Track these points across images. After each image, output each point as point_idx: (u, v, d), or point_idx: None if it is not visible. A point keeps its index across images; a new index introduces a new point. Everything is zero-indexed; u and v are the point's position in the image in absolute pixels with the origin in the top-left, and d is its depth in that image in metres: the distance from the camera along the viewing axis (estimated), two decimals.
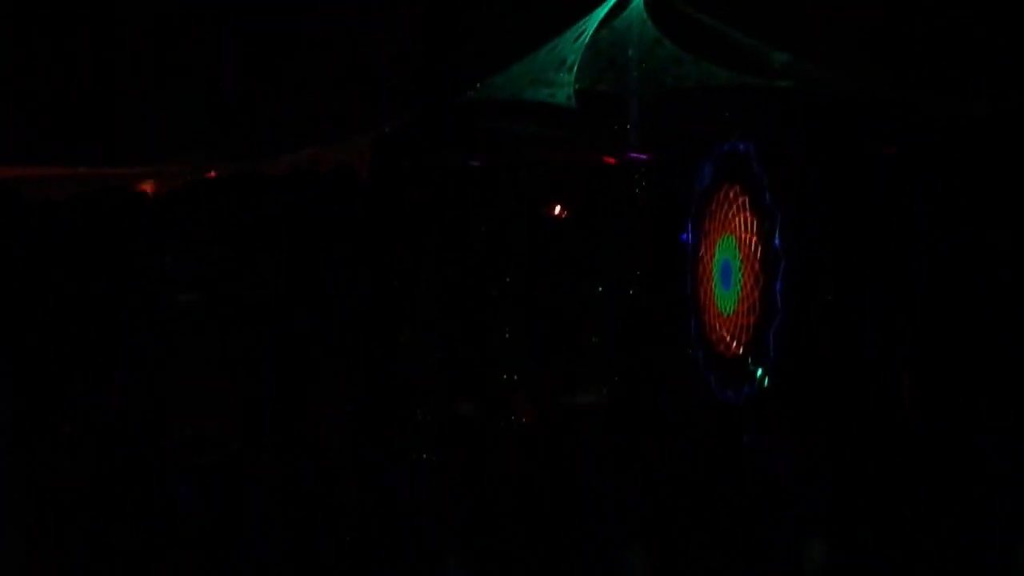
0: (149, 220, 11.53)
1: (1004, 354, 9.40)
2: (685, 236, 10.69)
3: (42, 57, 11.89)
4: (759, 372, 9.63)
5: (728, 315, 10.08)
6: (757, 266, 9.61)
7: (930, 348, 9.78)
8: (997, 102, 9.02)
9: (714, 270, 10.24)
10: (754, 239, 9.64)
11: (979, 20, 9.64)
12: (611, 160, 10.95)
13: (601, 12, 10.06)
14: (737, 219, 9.78)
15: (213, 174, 10.99)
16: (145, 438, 10.61)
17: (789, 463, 9.49)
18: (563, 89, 10.48)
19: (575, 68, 10.30)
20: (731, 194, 9.87)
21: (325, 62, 12.02)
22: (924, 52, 9.75)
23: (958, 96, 9.19)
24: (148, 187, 11.14)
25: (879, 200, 9.82)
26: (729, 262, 9.98)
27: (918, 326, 9.86)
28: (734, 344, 10.00)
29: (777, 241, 9.33)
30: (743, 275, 9.82)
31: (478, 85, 10.63)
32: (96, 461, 10.32)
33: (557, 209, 11.65)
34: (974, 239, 9.46)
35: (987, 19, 9.62)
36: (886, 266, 9.78)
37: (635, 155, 10.70)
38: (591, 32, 10.12)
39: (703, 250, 10.41)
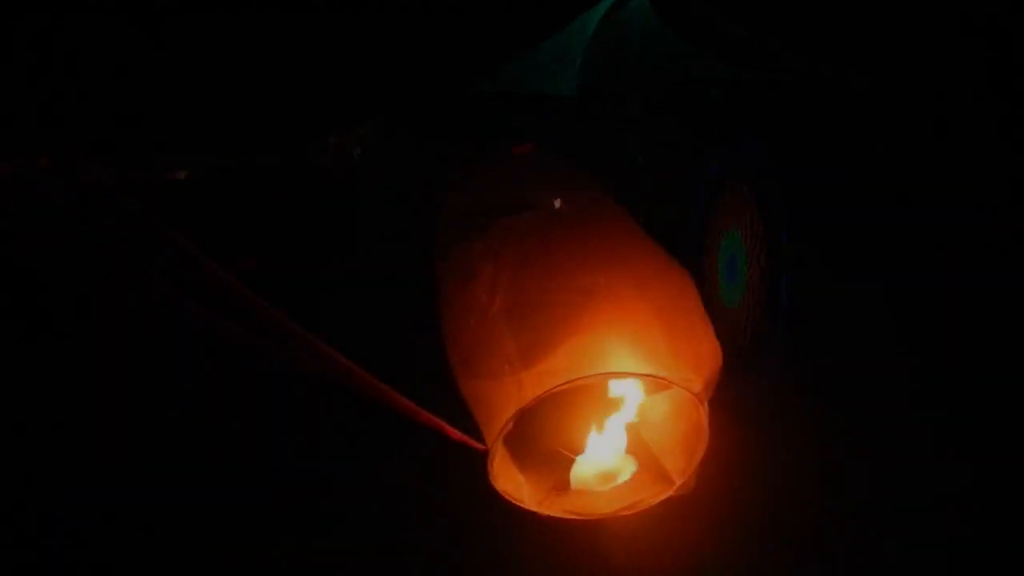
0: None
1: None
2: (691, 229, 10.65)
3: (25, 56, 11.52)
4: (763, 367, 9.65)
5: (733, 308, 10.07)
6: (763, 261, 9.61)
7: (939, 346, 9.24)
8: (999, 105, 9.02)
9: (719, 264, 10.25)
10: (761, 230, 9.59)
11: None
12: None
13: (604, 6, 10.01)
14: (744, 215, 9.78)
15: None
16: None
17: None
18: (565, 81, 10.43)
19: (577, 61, 10.26)
20: (738, 191, 9.87)
21: (318, 56, 11.77)
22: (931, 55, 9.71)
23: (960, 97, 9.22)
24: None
25: (884, 195, 9.86)
26: (735, 256, 9.99)
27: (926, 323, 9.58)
28: (738, 339, 10.00)
29: (784, 236, 9.34)
30: (748, 270, 9.82)
31: (477, 78, 10.54)
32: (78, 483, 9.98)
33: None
34: (982, 238, 9.35)
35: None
36: (894, 263, 9.79)
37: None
38: (594, 26, 10.08)
39: (707, 244, 10.41)
